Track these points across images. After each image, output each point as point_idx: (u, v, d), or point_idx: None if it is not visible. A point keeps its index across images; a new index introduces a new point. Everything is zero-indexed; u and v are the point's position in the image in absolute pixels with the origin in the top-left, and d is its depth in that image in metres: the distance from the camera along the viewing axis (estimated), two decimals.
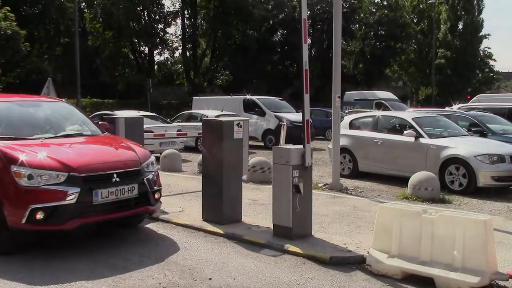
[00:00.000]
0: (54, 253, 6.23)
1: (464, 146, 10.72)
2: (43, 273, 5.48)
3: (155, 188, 6.84)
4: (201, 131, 8.12)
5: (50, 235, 6.44)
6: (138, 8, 42.20)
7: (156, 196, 6.89)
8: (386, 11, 50.84)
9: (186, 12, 45.40)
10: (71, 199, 5.83)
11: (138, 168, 6.65)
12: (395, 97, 31.39)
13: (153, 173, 6.89)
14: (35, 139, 6.80)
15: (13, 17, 24.94)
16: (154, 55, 48.59)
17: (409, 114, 13.35)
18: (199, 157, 11.08)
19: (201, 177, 7.91)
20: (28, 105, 7.90)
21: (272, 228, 6.91)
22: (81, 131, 7.74)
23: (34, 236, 6.22)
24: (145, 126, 10.20)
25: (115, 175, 6.25)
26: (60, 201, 5.79)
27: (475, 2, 51.37)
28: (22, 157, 5.97)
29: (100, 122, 8.40)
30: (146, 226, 7.57)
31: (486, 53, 54.93)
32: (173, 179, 11.66)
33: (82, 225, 6.04)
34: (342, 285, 5.27)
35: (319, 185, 10.97)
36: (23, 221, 5.73)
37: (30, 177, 5.80)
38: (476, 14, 51.36)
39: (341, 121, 12.12)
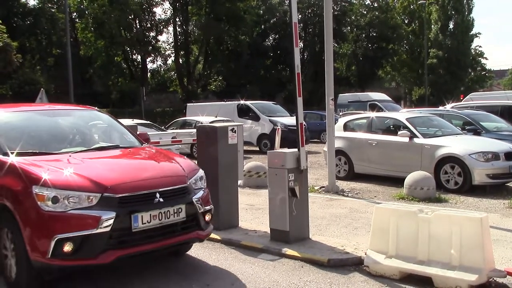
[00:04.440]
0: None
1: (458, 144, 10.75)
2: None
3: (206, 208, 5.70)
4: (196, 138, 8.11)
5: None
6: (130, 17, 42.25)
7: (207, 218, 5.74)
8: (377, 13, 51.12)
9: (177, 19, 45.46)
10: (106, 226, 4.78)
11: (185, 185, 5.53)
12: (389, 98, 31.47)
13: (202, 190, 5.78)
14: (62, 153, 5.77)
15: (4, 29, 24.91)
16: (147, 63, 48.66)
17: (402, 114, 13.38)
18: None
19: None
20: (56, 114, 6.88)
21: (269, 232, 6.90)
22: (116, 142, 6.69)
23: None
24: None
25: (158, 195, 5.15)
26: (92, 229, 4.74)
27: (465, 1, 51.69)
28: (45, 175, 4.94)
29: (138, 132, 7.31)
30: None
31: (477, 51, 55.25)
32: None
33: (119, 259, 4.90)
34: (340, 287, 5.27)
35: (315, 188, 10.97)
36: (48, 254, 4.69)
37: (55, 200, 4.78)
38: (466, 13, 51.67)
39: (335, 123, 12.14)
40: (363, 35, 51.81)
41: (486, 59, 60.29)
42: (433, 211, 5.35)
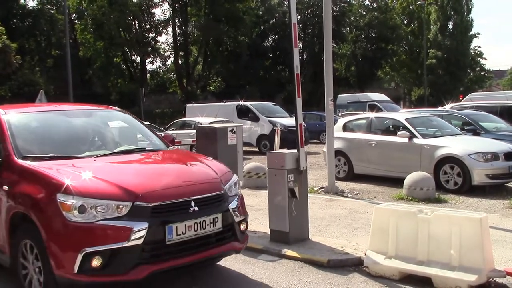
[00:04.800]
0: None
1: (458, 145, 10.75)
2: None
3: (242, 217, 5.30)
4: (195, 139, 8.11)
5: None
6: (129, 18, 42.23)
7: (242, 227, 5.32)
8: (376, 14, 51.12)
9: (177, 20, 45.46)
10: (138, 238, 4.37)
11: (221, 192, 5.11)
12: (388, 99, 31.49)
13: (237, 197, 5.35)
14: (86, 157, 5.38)
15: (3, 30, 24.93)
16: (146, 64, 48.65)
17: (402, 115, 13.39)
18: None
19: None
20: (75, 115, 6.46)
21: (269, 233, 6.90)
22: (142, 145, 6.25)
23: None
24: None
25: (193, 203, 4.75)
26: (122, 241, 4.33)
27: (464, 2, 51.73)
28: (69, 181, 4.53)
29: (163, 134, 6.81)
30: None
31: (476, 52, 55.30)
32: None
33: (152, 274, 4.48)
34: None
35: (315, 188, 10.97)
36: (75, 270, 4.30)
37: (81, 209, 4.37)
38: (465, 13, 51.73)
39: (335, 124, 12.14)
40: (362, 36, 51.81)
41: (485, 59, 60.35)
42: (432, 211, 5.36)
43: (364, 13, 52.87)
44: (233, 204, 5.16)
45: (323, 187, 10.98)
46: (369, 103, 28.75)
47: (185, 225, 4.65)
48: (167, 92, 50.62)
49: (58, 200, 4.42)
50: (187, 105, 25.80)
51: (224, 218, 4.99)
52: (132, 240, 4.35)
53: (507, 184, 10.92)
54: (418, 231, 5.28)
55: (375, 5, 53.93)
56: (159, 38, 47.96)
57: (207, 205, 4.89)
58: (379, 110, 25.95)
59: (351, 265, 5.88)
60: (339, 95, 31.45)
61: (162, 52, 48.72)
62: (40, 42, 41.16)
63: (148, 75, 51.35)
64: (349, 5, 52.49)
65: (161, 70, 55.73)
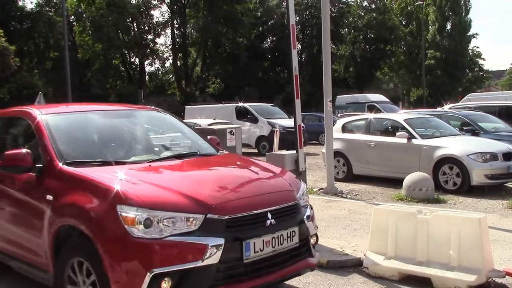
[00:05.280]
0: None
1: (457, 145, 10.77)
2: None
3: (315, 230, 4.84)
4: None
5: None
6: (128, 20, 42.24)
7: (312, 241, 4.75)
8: (374, 14, 51.18)
9: (175, 21, 45.49)
10: (213, 256, 3.78)
11: (296, 202, 4.55)
12: (387, 99, 31.53)
13: (308, 207, 4.82)
14: (136, 162, 4.77)
15: (2, 33, 24.94)
16: (145, 65, 48.68)
17: (401, 115, 13.41)
18: None
19: None
20: (118, 115, 5.88)
21: None
22: (192, 149, 5.62)
23: None
24: None
25: (269, 215, 4.17)
26: (196, 260, 3.74)
27: (462, 2, 51.82)
28: (129, 190, 3.94)
29: (209, 137, 6.14)
30: None
31: (475, 52, 55.39)
32: None
33: None
34: None
35: (314, 189, 10.97)
36: None
37: (148, 223, 3.75)
38: (463, 14, 51.83)
39: (334, 125, 12.15)
40: (361, 37, 51.86)
41: (484, 59, 60.58)
42: (431, 212, 5.36)
43: (363, 14, 52.94)
44: (307, 216, 4.62)
45: (322, 188, 10.98)
46: (368, 104, 28.79)
47: (263, 240, 4.07)
48: (165, 93, 50.63)
49: (119, 212, 3.80)
50: (186, 106, 25.79)
51: (301, 232, 4.45)
52: (206, 259, 3.75)
53: (506, 184, 10.94)
54: (417, 232, 5.28)
55: (373, 6, 53.99)
56: (157, 40, 47.91)
57: (283, 217, 4.32)
58: (378, 111, 26.00)
59: (350, 265, 5.88)
60: (338, 96, 31.48)
61: (160, 54, 48.81)
62: (38, 44, 41.16)
63: (146, 77, 51.39)
64: (347, 6, 52.57)
65: (160, 72, 55.85)
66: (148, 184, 4.12)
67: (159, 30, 46.07)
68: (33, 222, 4.57)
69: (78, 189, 4.21)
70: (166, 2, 44.86)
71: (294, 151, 6.67)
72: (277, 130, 11.97)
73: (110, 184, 4.03)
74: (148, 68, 52.13)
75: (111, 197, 3.91)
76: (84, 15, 42.35)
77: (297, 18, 47.61)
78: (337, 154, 12.14)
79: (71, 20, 44.45)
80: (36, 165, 4.64)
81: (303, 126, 9.35)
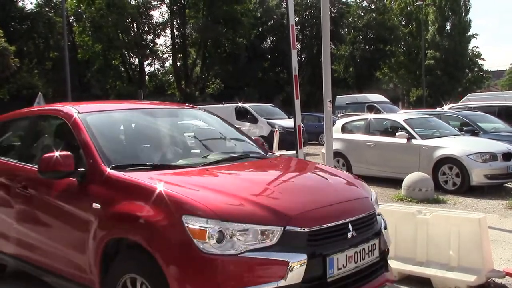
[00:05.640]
0: None
1: (456, 145, 10.77)
2: None
3: (390, 240, 4.28)
4: None
5: None
6: (127, 20, 42.26)
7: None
8: (374, 15, 51.24)
9: (175, 22, 45.53)
10: (296, 275, 3.26)
11: (374, 210, 4.07)
12: (387, 100, 31.52)
13: (381, 216, 4.29)
14: (187, 166, 4.21)
15: (2, 33, 24.96)
16: (145, 66, 48.73)
17: (400, 116, 13.41)
18: None
19: None
20: (161, 114, 5.40)
21: None
22: (243, 151, 5.01)
23: None
24: None
25: (350, 227, 3.66)
26: (276, 280, 3.22)
27: (461, 2, 51.84)
28: (196, 198, 3.39)
29: (254, 138, 5.60)
30: None
31: (474, 52, 55.41)
32: None
33: None
34: None
35: None
36: None
37: (220, 237, 3.22)
38: (463, 14, 51.84)
39: (333, 125, 12.15)
40: (361, 37, 51.91)
41: (484, 60, 60.64)
42: (431, 212, 5.36)
43: (362, 14, 53.00)
44: (383, 226, 4.12)
45: None
46: (368, 104, 28.78)
47: (346, 255, 3.57)
48: (165, 94, 50.60)
49: (186, 224, 3.26)
50: None
51: (380, 244, 3.96)
52: (288, 278, 3.22)
53: (506, 185, 10.94)
54: (417, 232, 5.28)
55: (373, 6, 54.06)
56: (157, 40, 47.90)
57: (363, 228, 3.82)
58: (377, 111, 25.99)
59: None
60: (338, 96, 31.48)
61: (160, 54, 48.88)
62: (38, 44, 41.21)
63: (146, 77, 51.41)
64: (347, 6, 52.64)
65: (160, 72, 55.86)
66: (213, 191, 3.56)
67: (159, 30, 46.16)
68: (76, 234, 4.03)
69: (132, 197, 3.65)
70: (165, 2, 44.93)
71: (294, 152, 6.67)
72: (276, 131, 12.00)
73: (172, 191, 3.49)
74: (148, 69, 52.16)
75: (174, 206, 3.37)
76: (84, 16, 42.37)
77: (297, 18, 47.64)
78: (337, 154, 12.14)
79: (70, 20, 44.46)
80: (78, 170, 4.06)
81: (302, 127, 9.34)
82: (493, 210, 8.77)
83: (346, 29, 53.33)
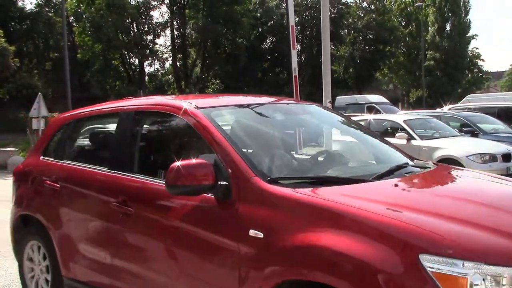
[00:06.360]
0: None
1: (456, 146, 10.78)
2: None
3: None
4: None
5: None
6: (127, 21, 42.25)
7: None
8: (374, 15, 51.22)
9: (175, 22, 45.52)
10: None
11: None
12: (386, 100, 31.52)
13: None
14: (362, 179, 3.10)
15: (1, 33, 24.97)
16: (145, 66, 48.66)
17: (400, 116, 13.43)
18: None
19: None
20: (294, 111, 4.40)
21: None
22: (397, 160, 3.79)
23: None
24: None
25: None
26: None
27: (461, 3, 51.86)
28: (433, 229, 2.32)
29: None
30: None
31: (474, 53, 55.44)
32: None
33: None
34: None
35: None
36: None
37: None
38: (463, 15, 51.84)
39: None
40: (360, 38, 51.90)
41: (483, 60, 60.68)
42: None
43: (362, 15, 52.97)
44: None
45: None
46: (367, 105, 28.79)
47: None
48: (165, 94, 50.63)
49: (426, 267, 2.20)
50: None
51: None
52: None
53: None
54: None
55: (373, 7, 54.03)
56: (157, 41, 47.89)
57: None
58: (377, 111, 25.99)
59: None
60: (337, 97, 31.48)
61: (160, 55, 48.77)
62: (38, 45, 41.24)
63: (146, 77, 51.39)
64: (347, 7, 52.60)
65: (160, 73, 55.84)
66: (444, 218, 2.48)
67: (159, 30, 46.10)
68: (215, 269, 2.97)
69: (325, 223, 2.55)
70: (165, 2, 44.87)
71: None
72: None
73: (388, 217, 2.43)
74: (147, 69, 52.10)
75: (402, 240, 2.31)
76: (84, 16, 42.35)
77: (297, 19, 47.60)
78: None
79: (70, 20, 44.46)
80: (219, 183, 2.94)
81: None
82: None
83: (346, 30, 53.31)
